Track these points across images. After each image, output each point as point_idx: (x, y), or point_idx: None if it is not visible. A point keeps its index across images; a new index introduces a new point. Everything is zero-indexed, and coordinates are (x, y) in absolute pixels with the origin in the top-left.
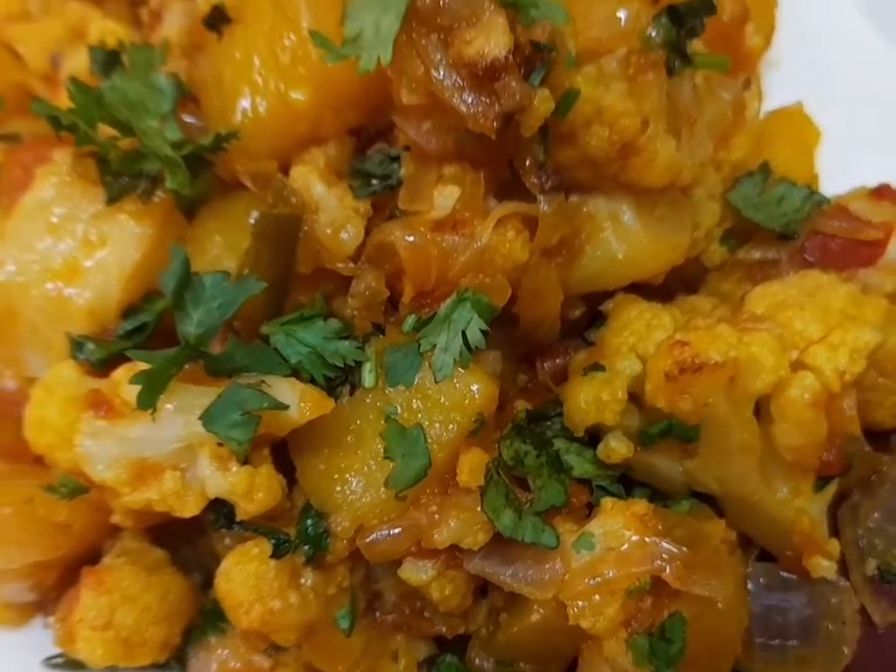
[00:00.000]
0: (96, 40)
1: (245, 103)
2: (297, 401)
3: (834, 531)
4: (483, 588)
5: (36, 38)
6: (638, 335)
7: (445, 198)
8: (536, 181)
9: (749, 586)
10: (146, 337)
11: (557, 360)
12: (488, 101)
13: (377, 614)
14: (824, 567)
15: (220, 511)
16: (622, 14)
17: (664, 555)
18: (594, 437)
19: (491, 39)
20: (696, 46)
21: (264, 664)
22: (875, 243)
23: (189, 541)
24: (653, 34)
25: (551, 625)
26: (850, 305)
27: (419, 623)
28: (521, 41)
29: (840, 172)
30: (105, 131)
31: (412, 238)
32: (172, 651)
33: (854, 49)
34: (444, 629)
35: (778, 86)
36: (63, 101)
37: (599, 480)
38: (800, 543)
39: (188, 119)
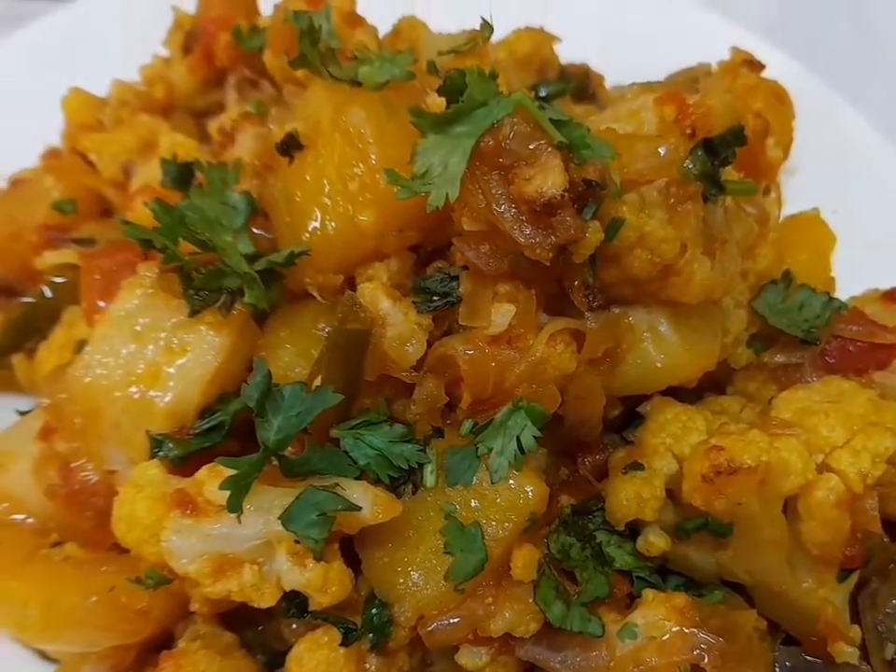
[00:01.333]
0: (167, 153)
1: (314, 222)
2: (370, 504)
3: (855, 617)
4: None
5: (109, 148)
6: (675, 437)
7: (502, 315)
8: (584, 300)
9: (776, 669)
10: (221, 436)
11: (597, 456)
12: (545, 233)
13: None
14: (847, 652)
15: (293, 600)
16: (662, 149)
17: (702, 645)
18: (632, 529)
19: (548, 179)
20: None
21: None
22: (890, 346)
23: (253, 624)
24: (690, 165)
25: None
26: (871, 412)
27: None
28: (574, 179)
29: (855, 275)
30: (185, 246)
31: (471, 352)
32: None
33: (865, 157)
34: None
35: (796, 192)
36: (139, 210)
37: (639, 571)
38: (824, 630)
39: (256, 231)
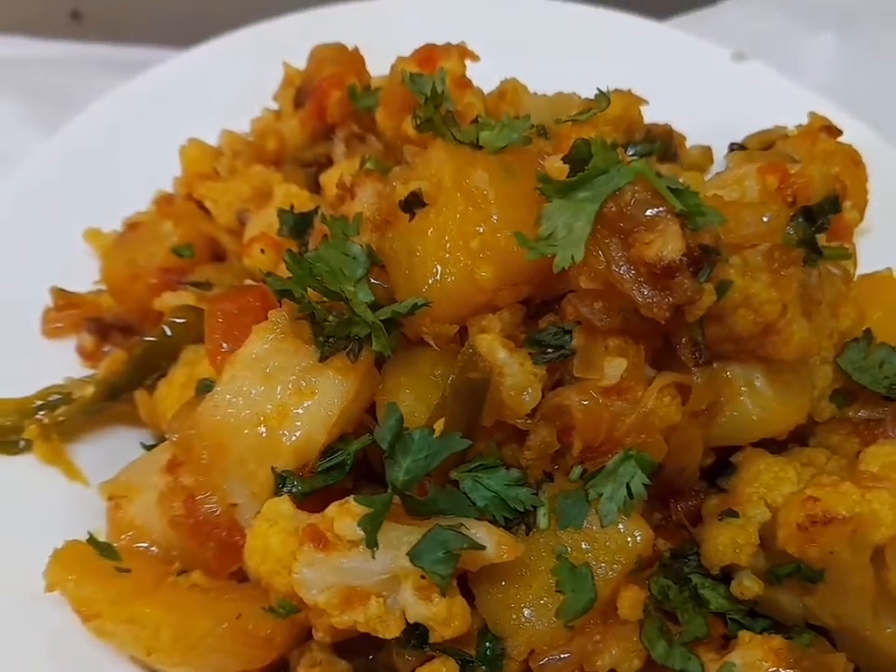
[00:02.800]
0: (282, 203)
1: (435, 275)
2: (494, 544)
3: None
4: None
5: (224, 196)
6: (768, 486)
7: (614, 368)
8: (691, 356)
9: None
10: (343, 473)
11: (690, 503)
12: (663, 294)
13: None
14: None
15: (414, 632)
16: (766, 217)
17: None
18: (724, 573)
19: (668, 244)
20: None
21: None
22: None
23: (364, 654)
24: (791, 232)
25: None
26: None
27: None
28: (690, 244)
29: None
30: (312, 294)
31: (586, 402)
32: None
33: None
34: None
35: (869, 252)
36: (255, 257)
37: (733, 613)
38: None
39: (374, 281)
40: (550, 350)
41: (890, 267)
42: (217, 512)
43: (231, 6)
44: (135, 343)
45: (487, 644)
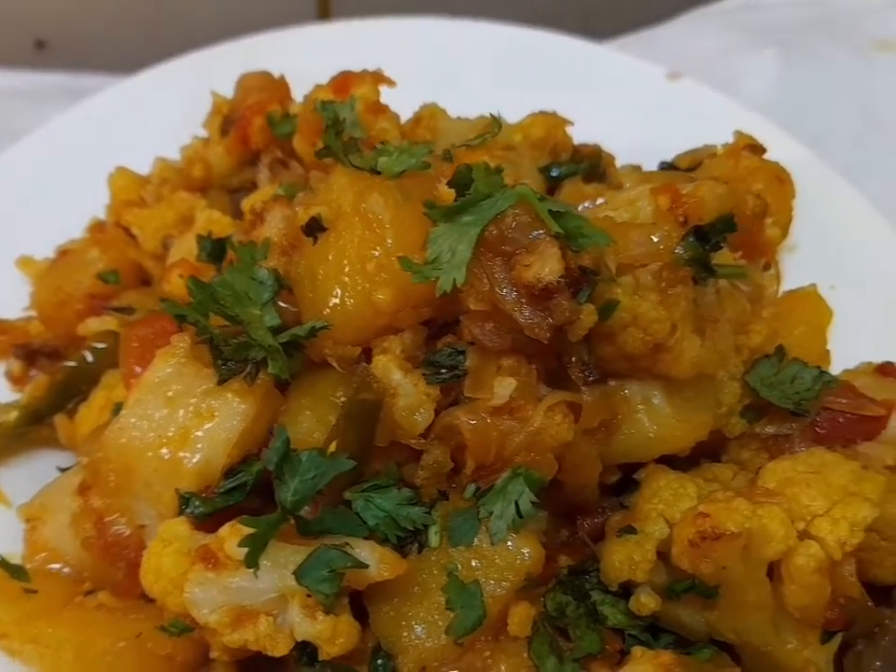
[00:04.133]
0: (202, 229)
1: (335, 298)
2: (376, 562)
3: None
4: None
5: (150, 223)
6: (666, 503)
7: (504, 388)
8: (580, 375)
9: None
10: (243, 495)
11: (595, 520)
12: (543, 315)
13: None
14: None
15: (304, 650)
16: (655, 237)
17: None
18: (626, 589)
19: (546, 266)
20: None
21: None
22: (878, 418)
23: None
24: (681, 251)
25: None
26: (851, 482)
27: None
28: (570, 265)
29: (850, 348)
30: (216, 318)
31: (474, 421)
32: None
33: (864, 236)
34: None
35: (796, 268)
36: (174, 282)
37: (630, 629)
38: None
39: (283, 305)
40: (444, 371)
41: (815, 283)
42: (126, 534)
43: (198, 34)
44: (58, 369)
45: (379, 662)
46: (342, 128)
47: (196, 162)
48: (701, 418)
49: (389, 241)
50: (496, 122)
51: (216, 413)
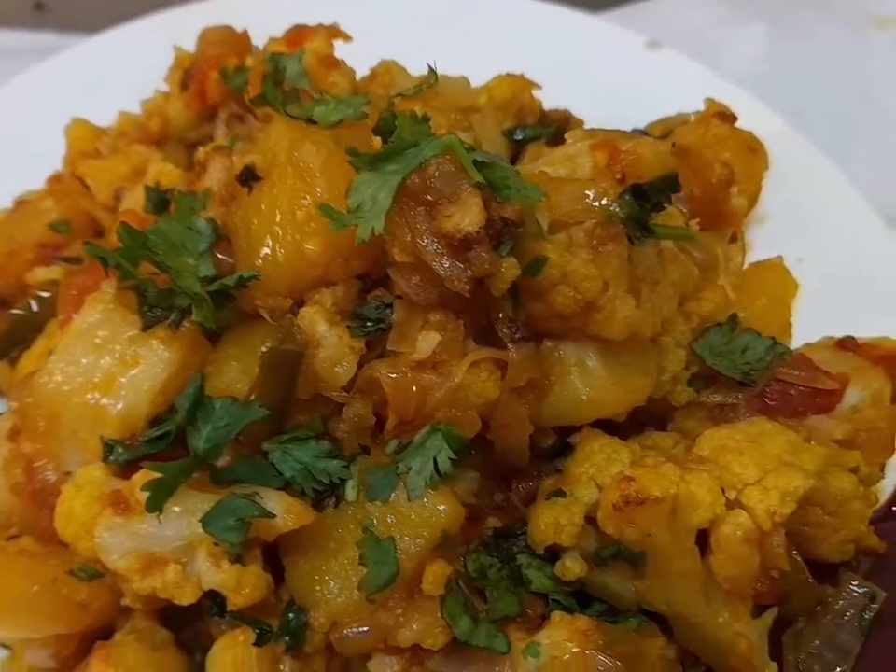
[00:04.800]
0: (151, 180)
1: (266, 248)
2: (283, 512)
3: (778, 655)
4: None
5: (103, 174)
6: (598, 467)
7: (427, 342)
8: (506, 332)
9: None
10: (167, 444)
11: (530, 483)
12: (462, 267)
13: None
14: None
15: (215, 600)
16: (590, 193)
17: (600, 668)
18: (555, 554)
19: (466, 216)
20: (672, 210)
21: None
22: (833, 392)
23: (192, 624)
24: (616, 209)
25: None
26: (788, 452)
27: None
28: (493, 217)
29: (815, 322)
30: (147, 266)
31: (394, 375)
32: None
33: (836, 209)
34: None
35: (764, 240)
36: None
37: (555, 594)
38: (737, 664)
39: (221, 256)
40: (370, 324)
41: (782, 256)
42: (53, 480)
43: None
44: (3, 317)
45: (291, 615)
46: (281, 78)
47: (154, 116)
48: (638, 383)
49: (319, 190)
50: (432, 73)
51: (140, 361)
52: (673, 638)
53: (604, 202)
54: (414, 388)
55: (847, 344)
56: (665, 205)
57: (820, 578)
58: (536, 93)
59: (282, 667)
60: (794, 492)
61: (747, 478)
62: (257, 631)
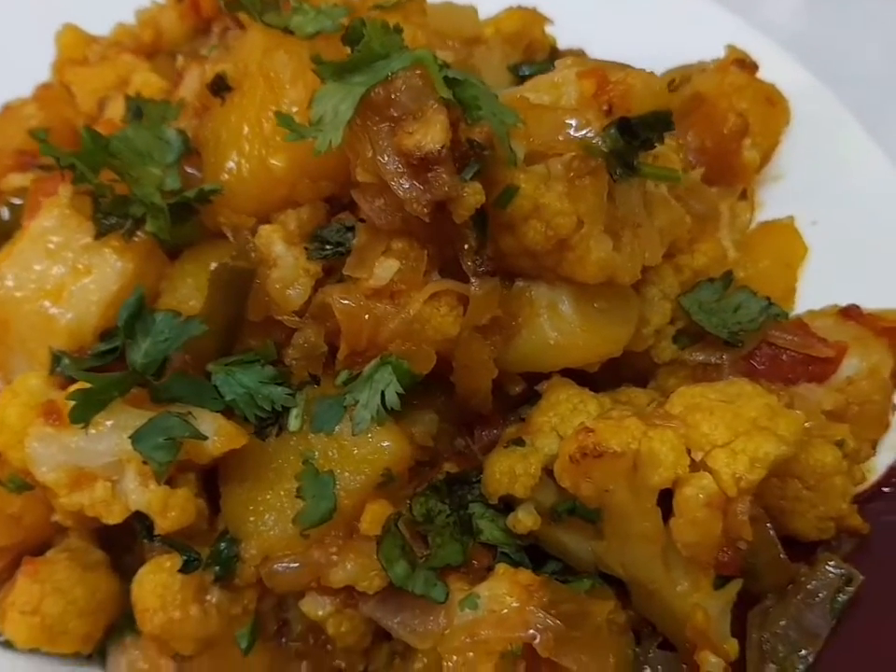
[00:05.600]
0: (134, 90)
1: (232, 163)
2: (213, 434)
3: (743, 632)
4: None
5: (89, 82)
6: (562, 416)
7: (385, 269)
8: (470, 265)
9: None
10: (115, 359)
11: (494, 431)
12: (421, 188)
13: (284, 640)
14: (713, 663)
15: (145, 523)
16: (572, 121)
17: (538, 625)
18: (510, 506)
19: (429, 134)
20: (667, 152)
21: (169, 669)
22: (828, 360)
23: (132, 550)
24: (599, 142)
25: None
26: (764, 416)
27: (321, 654)
28: (459, 138)
29: (824, 288)
30: (109, 174)
31: (346, 301)
32: (95, 645)
33: (858, 172)
34: (343, 665)
35: (779, 199)
36: None
37: (505, 547)
38: (692, 636)
39: (192, 171)
40: (329, 247)
41: (793, 216)
42: (3, 389)
43: None
44: None
45: (222, 545)
46: None
47: (147, 26)
48: (613, 332)
49: (287, 102)
50: None
51: (92, 270)
52: (630, 605)
53: (586, 133)
54: (367, 317)
55: (850, 313)
56: (656, 144)
57: (798, 556)
58: (551, 31)
59: (209, 598)
60: (764, 458)
61: (715, 439)
62: (184, 558)
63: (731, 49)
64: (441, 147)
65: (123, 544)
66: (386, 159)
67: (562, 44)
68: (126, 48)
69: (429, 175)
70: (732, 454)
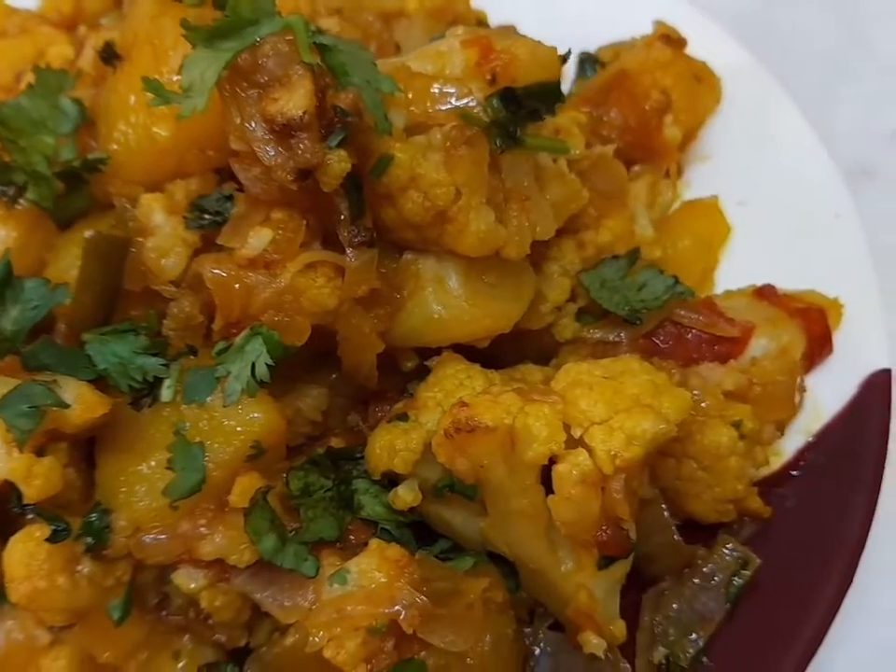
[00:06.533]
0: (46, 62)
1: (119, 133)
2: (74, 401)
3: (636, 615)
4: None
5: (7, 55)
6: (447, 392)
7: (258, 239)
8: (346, 234)
9: (536, 652)
10: None
11: (387, 407)
12: (286, 155)
13: (164, 614)
14: (594, 644)
15: (17, 493)
16: (454, 91)
17: (404, 601)
18: (396, 483)
19: (292, 100)
20: (570, 127)
21: (44, 639)
22: (735, 340)
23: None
24: (480, 112)
25: (302, 652)
26: (648, 394)
27: (201, 628)
28: (325, 105)
29: (747, 269)
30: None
31: (217, 271)
32: None
33: (788, 154)
34: (224, 639)
35: (705, 179)
36: None
37: (386, 523)
38: (574, 617)
39: (94, 143)
40: (207, 216)
41: (717, 196)
42: None
43: None
44: None
45: (94, 516)
46: None
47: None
48: (502, 308)
49: (167, 69)
50: None
51: None
52: (520, 587)
53: (467, 102)
54: (238, 287)
55: (765, 293)
56: (545, 116)
57: (700, 539)
58: (483, 6)
59: (80, 568)
60: (641, 435)
61: (594, 416)
62: (52, 527)
63: (658, 24)
64: (304, 113)
65: (8, 518)
66: (254, 125)
67: (493, 20)
68: (48, 20)
69: (293, 141)
70: (609, 430)
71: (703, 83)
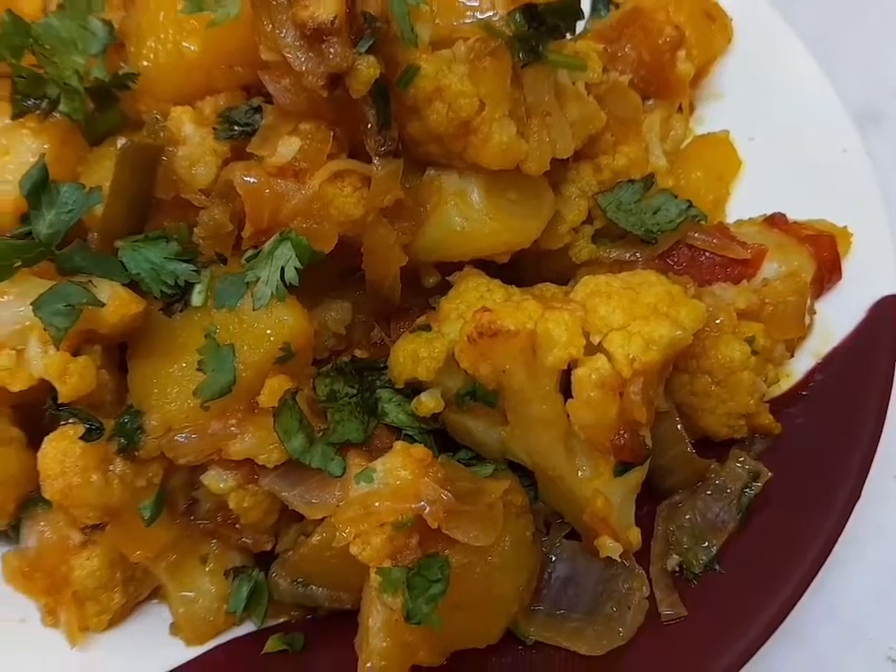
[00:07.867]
0: None
1: (149, 50)
2: (109, 300)
3: (651, 524)
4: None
5: None
6: (468, 304)
7: (287, 147)
8: (372, 143)
9: (553, 559)
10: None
11: (409, 323)
12: (316, 60)
13: (193, 518)
14: (610, 547)
15: (52, 395)
16: (476, 3)
17: (429, 497)
18: (419, 393)
19: (322, 6)
20: (590, 54)
21: (77, 539)
22: (747, 263)
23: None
24: (503, 25)
25: (327, 550)
26: (664, 303)
27: (228, 532)
28: (354, 11)
29: (758, 202)
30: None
31: (248, 178)
32: (9, 518)
33: (798, 93)
34: (250, 542)
35: (718, 116)
36: None
37: (409, 430)
38: (590, 522)
39: (122, 64)
40: (237, 128)
41: (728, 130)
42: None
43: None
44: None
45: (126, 418)
46: None
47: None
48: (521, 224)
49: None
50: None
51: (10, 150)
52: (537, 496)
53: (490, 17)
54: (268, 193)
55: (775, 221)
56: (566, 33)
57: (712, 455)
58: None
59: (113, 468)
60: (658, 340)
61: (612, 322)
62: (86, 426)
63: None
64: (334, 18)
65: (42, 425)
66: (285, 32)
67: None
68: None
69: (323, 46)
70: (627, 336)
71: (715, 21)
